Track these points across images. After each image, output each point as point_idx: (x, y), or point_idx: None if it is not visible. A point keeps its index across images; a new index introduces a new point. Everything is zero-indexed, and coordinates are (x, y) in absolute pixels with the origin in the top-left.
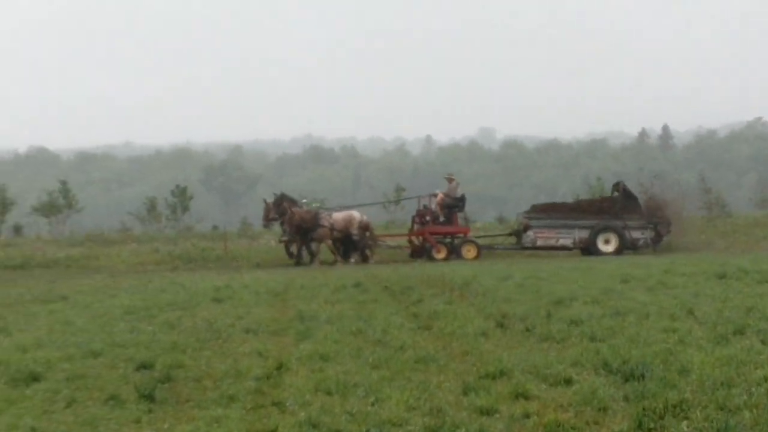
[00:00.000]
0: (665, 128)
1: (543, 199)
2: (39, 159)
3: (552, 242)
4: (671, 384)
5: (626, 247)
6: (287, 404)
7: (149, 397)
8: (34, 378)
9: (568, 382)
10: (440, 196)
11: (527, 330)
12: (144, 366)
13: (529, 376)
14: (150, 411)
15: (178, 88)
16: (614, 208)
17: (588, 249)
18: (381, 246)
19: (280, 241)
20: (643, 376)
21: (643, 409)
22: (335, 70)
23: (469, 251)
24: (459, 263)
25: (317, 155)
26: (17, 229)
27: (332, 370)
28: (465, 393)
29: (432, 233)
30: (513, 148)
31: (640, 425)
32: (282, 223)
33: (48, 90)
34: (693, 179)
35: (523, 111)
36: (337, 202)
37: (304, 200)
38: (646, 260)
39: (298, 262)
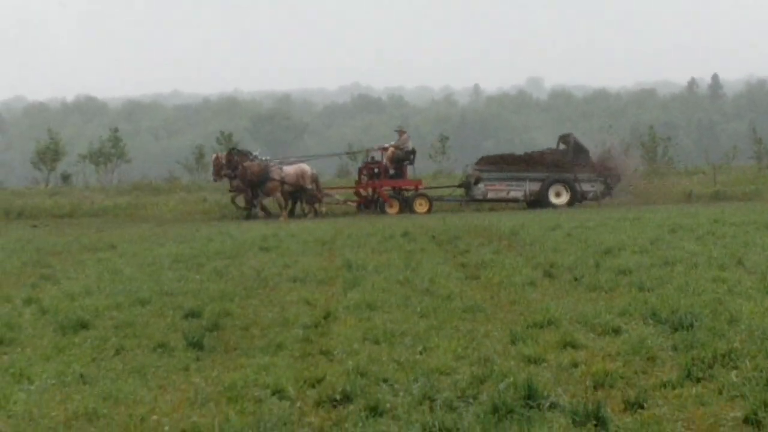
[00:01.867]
0: (715, 78)
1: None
2: (86, 107)
3: (503, 194)
4: (720, 333)
5: (576, 199)
6: (335, 353)
7: (197, 345)
8: (83, 325)
9: (617, 331)
10: (391, 149)
11: (575, 279)
12: (192, 314)
13: (577, 326)
14: (198, 359)
15: (225, 37)
16: (564, 161)
17: (538, 201)
18: (329, 199)
19: (231, 194)
20: (691, 325)
21: (692, 358)
22: (383, 18)
23: (420, 205)
24: (503, 213)
25: (364, 104)
26: (65, 178)
27: (380, 318)
28: (512, 342)
29: (384, 187)
30: (561, 97)
31: (688, 374)
32: (233, 178)
33: (95, 38)
34: (744, 129)
35: (571, 60)
36: None
37: (256, 153)
38: (695, 209)
39: (248, 215)
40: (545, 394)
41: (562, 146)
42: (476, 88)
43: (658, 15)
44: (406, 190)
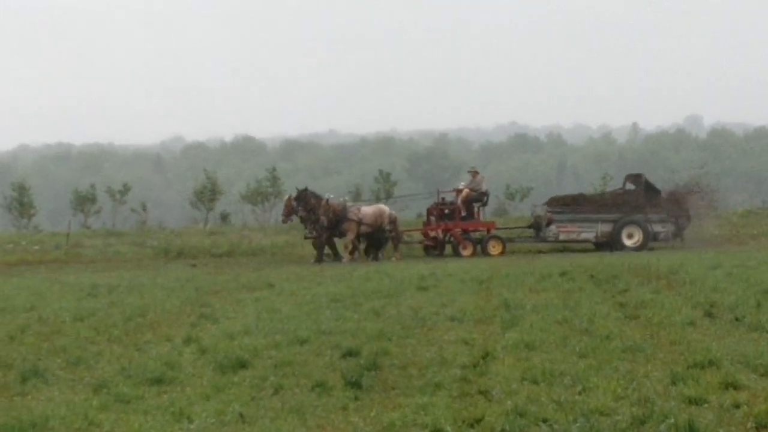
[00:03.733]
0: None
1: (751, 188)
2: (245, 147)
3: (574, 236)
4: None
5: (648, 240)
6: (493, 393)
7: (356, 385)
8: (242, 365)
9: None
10: (466, 190)
11: (736, 319)
12: (350, 353)
13: (739, 366)
14: (356, 398)
15: (381, 77)
16: (636, 202)
17: (609, 243)
18: (408, 238)
19: (306, 238)
20: None
21: None
22: (539, 56)
23: (494, 247)
24: (660, 252)
25: (522, 143)
26: (224, 217)
27: (538, 358)
28: (673, 383)
29: (459, 229)
30: (721, 136)
31: None
32: (306, 219)
33: (253, 79)
34: None
35: (732, 97)
36: (542, 192)
37: (330, 195)
38: None
39: (321, 258)
40: None
41: (629, 186)
42: (634, 126)
43: None
44: (477, 231)
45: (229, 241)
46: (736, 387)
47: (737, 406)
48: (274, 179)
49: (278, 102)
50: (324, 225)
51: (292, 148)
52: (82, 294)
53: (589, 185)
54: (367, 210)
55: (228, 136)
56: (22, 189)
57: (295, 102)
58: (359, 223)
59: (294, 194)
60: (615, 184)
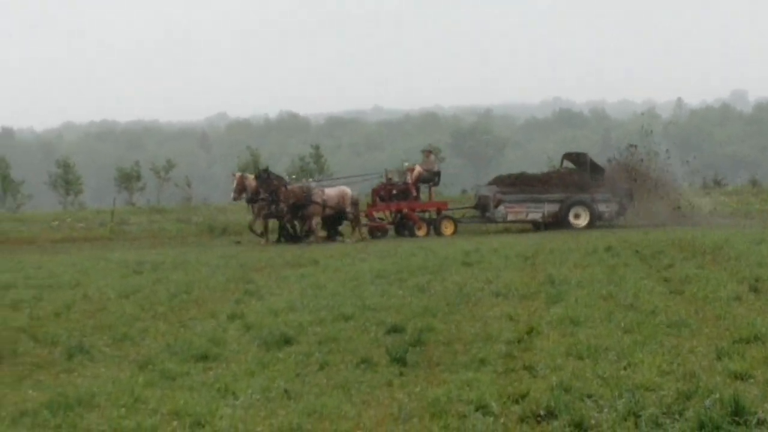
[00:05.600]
0: None
1: None
2: (289, 124)
3: (522, 216)
4: None
5: (594, 220)
6: (538, 368)
7: (401, 361)
8: (287, 341)
9: None
10: (418, 169)
11: None
12: (395, 329)
13: None
14: (401, 374)
15: (426, 53)
16: (582, 181)
17: (556, 223)
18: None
19: (265, 218)
20: None
21: None
22: (584, 31)
23: (446, 227)
24: (707, 228)
25: (566, 119)
26: None
27: (583, 334)
28: (718, 358)
29: (414, 209)
30: (766, 110)
31: None
32: (271, 202)
33: (297, 55)
34: None
35: None
36: None
37: (293, 176)
38: None
39: (279, 239)
40: (753, 410)
41: (566, 164)
42: (679, 102)
43: None
44: (426, 211)
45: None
46: None
47: None
48: (317, 156)
49: (322, 79)
50: (284, 210)
51: (336, 124)
52: (128, 271)
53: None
54: (331, 192)
55: (272, 113)
56: (66, 166)
57: (339, 79)
58: (324, 205)
59: (239, 173)
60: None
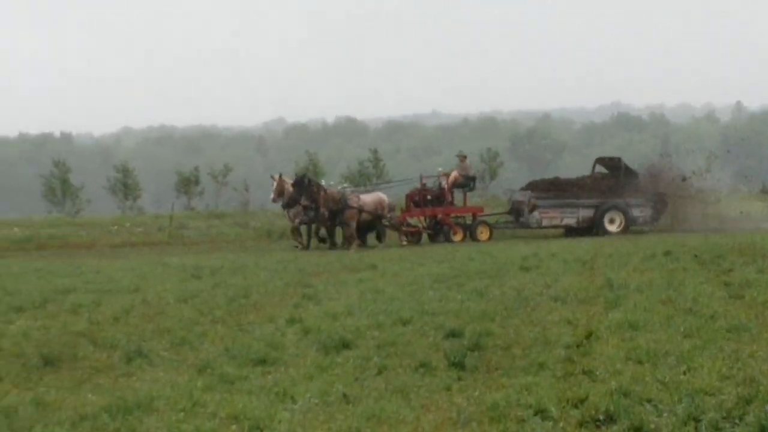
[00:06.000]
0: None
1: None
2: (347, 129)
3: (556, 221)
4: None
5: (629, 225)
6: (597, 373)
7: (459, 365)
8: (345, 345)
9: None
10: (454, 174)
11: None
12: (453, 334)
13: None
14: (460, 378)
15: (484, 57)
16: (616, 186)
17: (590, 228)
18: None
19: (300, 224)
20: None
21: None
22: (642, 35)
23: (482, 233)
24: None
25: (624, 123)
26: None
27: (642, 338)
28: None
29: (448, 214)
30: None
31: None
32: (309, 207)
33: (354, 60)
34: None
35: None
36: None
37: (330, 183)
38: None
39: (329, 243)
40: None
41: (599, 169)
42: (738, 105)
43: None
44: (461, 217)
45: None
46: None
47: None
48: (376, 160)
49: (380, 83)
50: (326, 216)
51: (394, 129)
52: (186, 275)
53: (692, 164)
54: (367, 198)
55: (330, 118)
56: (125, 171)
57: (397, 83)
58: (360, 210)
59: (278, 175)
60: (719, 164)
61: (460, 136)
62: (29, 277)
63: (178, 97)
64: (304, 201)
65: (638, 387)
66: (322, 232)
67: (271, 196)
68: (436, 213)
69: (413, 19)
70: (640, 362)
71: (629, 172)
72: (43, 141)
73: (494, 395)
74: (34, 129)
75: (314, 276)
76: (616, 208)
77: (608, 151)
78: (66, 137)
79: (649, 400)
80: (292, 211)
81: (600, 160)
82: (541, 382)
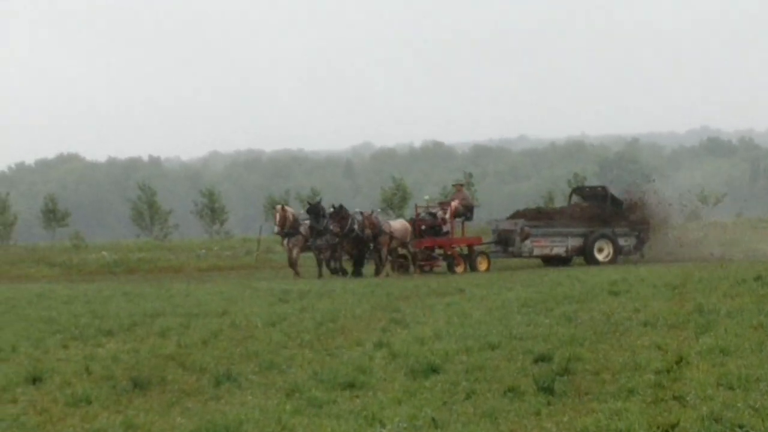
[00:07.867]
0: None
1: None
2: (434, 153)
3: (546, 251)
4: None
5: (618, 254)
6: (688, 398)
7: (548, 390)
8: (433, 369)
9: None
10: (455, 204)
11: None
12: (542, 358)
13: None
14: (549, 403)
15: (572, 82)
16: (604, 215)
17: (579, 257)
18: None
19: (316, 249)
20: None
21: None
22: (732, 59)
23: (481, 263)
24: None
25: (714, 147)
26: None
27: (733, 364)
28: None
29: (454, 244)
30: None
31: None
32: (338, 235)
33: (443, 85)
34: None
35: None
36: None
37: (359, 210)
38: None
39: (349, 272)
40: None
41: (575, 199)
42: None
43: None
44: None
45: None
46: None
47: None
48: (469, 185)
49: (468, 108)
50: (369, 238)
51: (481, 153)
52: (274, 299)
53: None
54: (396, 224)
55: (417, 142)
56: (211, 195)
57: (485, 108)
58: (391, 236)
59: (280, 205)
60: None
61: (547, 161)
62: (118, 301)
63: (266, 121)
64: (334, 226)
65: (730, 413)
66: (333, 263)
67: (276, 229)
68: (432, 244)
69: (500, 45)
70: (731, 388)
71: (614, 200)
72: (132, 165)
73: (584, 420)
74: (123, 154)
75: (401, 300)
76: (604, 237)
77: (697, 176)
78: (154, 161)
79: (740, 426)
80: (292, 240)
81: (577, 190)
82: (631, 408)
